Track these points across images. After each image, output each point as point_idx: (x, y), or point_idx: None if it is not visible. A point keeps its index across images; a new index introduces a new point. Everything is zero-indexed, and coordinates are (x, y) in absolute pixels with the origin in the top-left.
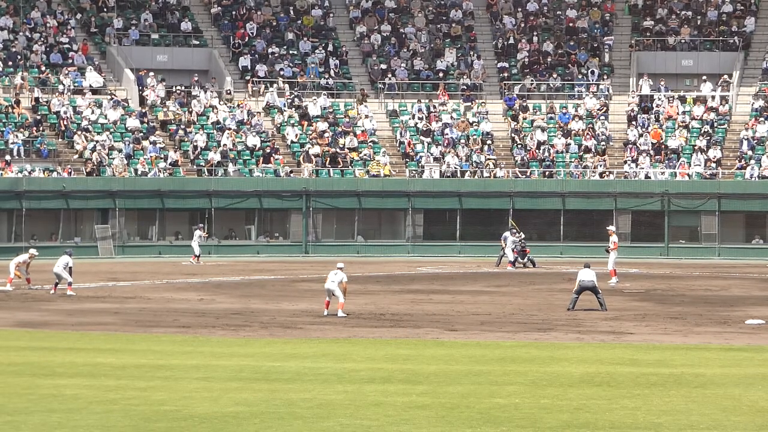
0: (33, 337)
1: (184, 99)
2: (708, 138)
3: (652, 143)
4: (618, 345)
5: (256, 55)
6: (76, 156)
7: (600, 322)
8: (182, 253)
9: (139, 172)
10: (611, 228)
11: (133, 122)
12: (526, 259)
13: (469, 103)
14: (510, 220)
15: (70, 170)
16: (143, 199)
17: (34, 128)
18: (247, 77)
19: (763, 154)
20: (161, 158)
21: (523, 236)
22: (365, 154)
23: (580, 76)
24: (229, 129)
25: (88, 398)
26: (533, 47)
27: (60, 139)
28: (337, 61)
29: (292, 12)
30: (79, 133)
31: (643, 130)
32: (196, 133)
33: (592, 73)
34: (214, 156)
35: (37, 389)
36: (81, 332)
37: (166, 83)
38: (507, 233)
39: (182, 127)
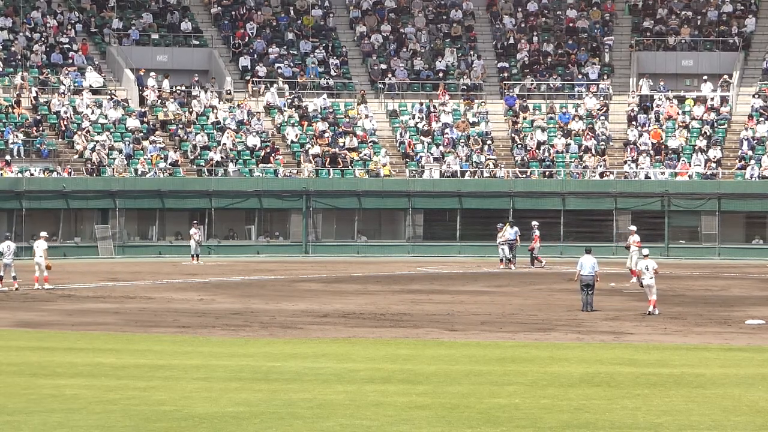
0: (33, 337)
1: (184, 99)
2: (708, 138)
3: (652, 143)
4: (618, 345)
5: (256, 55)
6: (76, 156)
7: (600, 322)
8: (182, 253)
9: (139, 172)
10: (632, 228)
11: (133, 122)
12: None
13: (469, 101)
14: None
15: (70, 170)
16: (143, 199)
17: (34, 128)
18: (247, 77)
19: (763, 154)
20: (161, 158)
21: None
22: (365, 154)
23: (580, 76)
24: (229, 129)
25: (88, 398)
26: (533, 47)
27: (60, 139)
28: (337, 61)
29: (292, 12)
30: (79, 133)
31: (643, 129)
32: (197, 133)
33: (592, 73)
34: (214, 156)
35: (37, 389)
36: (81, 332)
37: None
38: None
39: (182, 127)
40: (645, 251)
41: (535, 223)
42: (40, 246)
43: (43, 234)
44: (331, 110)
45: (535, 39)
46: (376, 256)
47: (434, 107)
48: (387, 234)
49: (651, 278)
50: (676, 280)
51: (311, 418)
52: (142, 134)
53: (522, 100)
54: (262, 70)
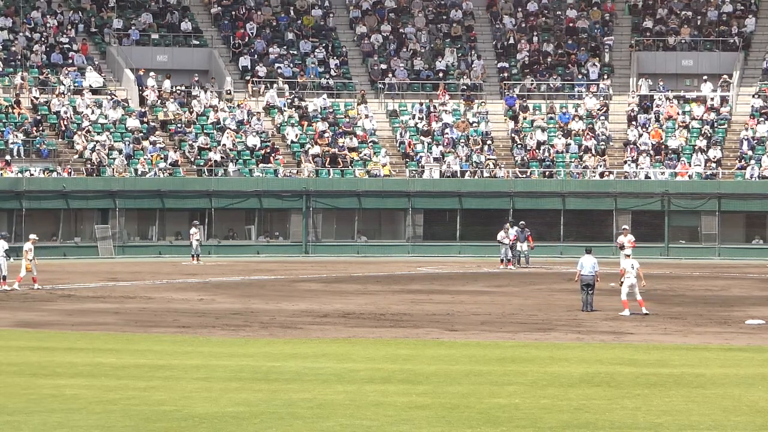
0: (33, 337)
1: (184, 99)
2: (708, 138)
3: (652, 143)
4: (618, 345)
5: (256, 55)
6: (76, 156)
7: (600, 322)
8: (182, 253)
9: (139, 172)
10: (625, 228)
11: (133, 122)
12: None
13: (469, 101)
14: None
15: (70, 170)
16: (143, 199)
17: (34, 128)
18: (247, 77)
19: (763, 154)
20: (161, 158)
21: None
22: (365, 154)
23: (580, 76)
24: (229, 129)
25: (88, 398)
26: (533, 47)
27: (60, 139)
28: (337, 61)
29: (292, 12)
30: (79, 133)
31: (643, 130)
32: (198, 134)
33: (593, 73)
34: (214, 156)
35: (37, 389)
36: (81, 332)
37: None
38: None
39: (182, 127)
40: (627, 251)
41: (522, 223)
42: (24, 246)
43: (32, 237)
44: (331, 110)
45: (535, 39)
46: (376, 256)
47: (434, 107)
48: (387, 234)
49: (636, 277)
50: (676, 280)
51: (311, 418)
52: (142, 134)
53: (522, 100)
54: (262, 70)
